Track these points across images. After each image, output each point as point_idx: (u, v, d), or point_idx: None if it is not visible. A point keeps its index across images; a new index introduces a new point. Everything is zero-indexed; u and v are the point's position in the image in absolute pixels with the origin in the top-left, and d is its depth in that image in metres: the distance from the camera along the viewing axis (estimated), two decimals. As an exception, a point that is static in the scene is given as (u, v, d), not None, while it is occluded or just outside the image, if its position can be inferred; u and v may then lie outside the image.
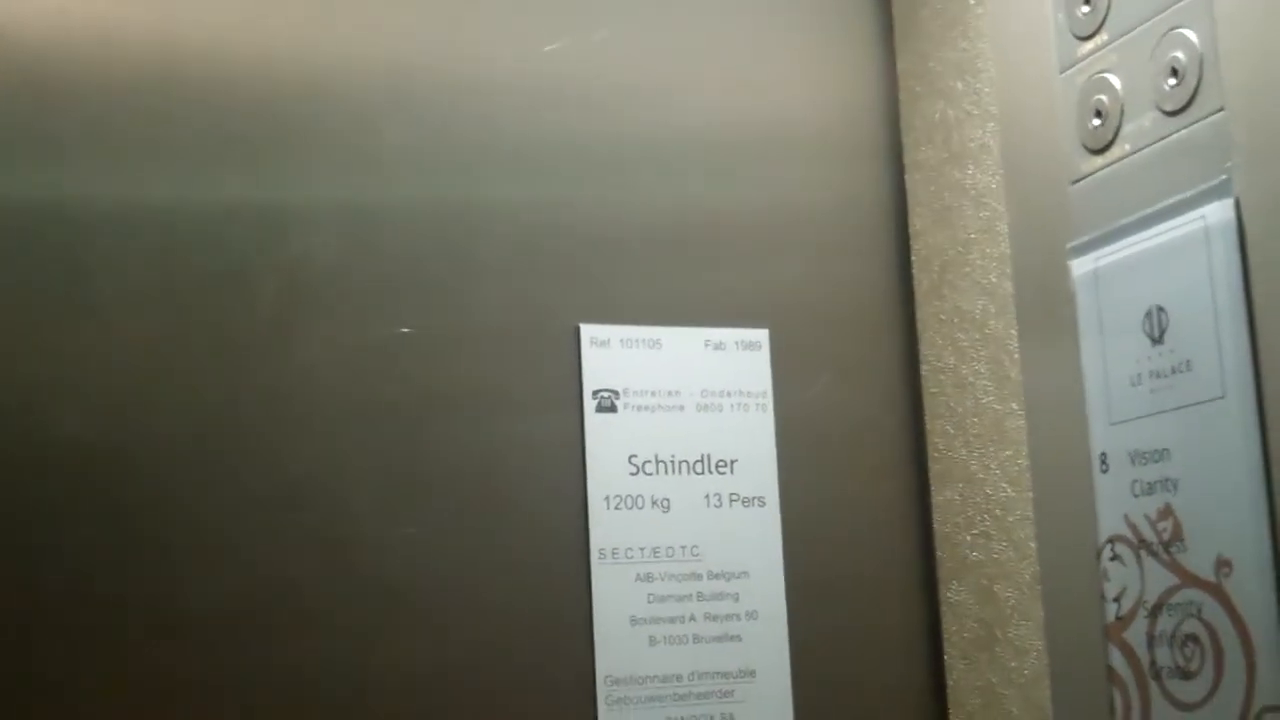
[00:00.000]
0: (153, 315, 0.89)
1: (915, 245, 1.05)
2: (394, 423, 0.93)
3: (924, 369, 1.03)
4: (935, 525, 1.02)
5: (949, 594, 1.01)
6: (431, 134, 0.96)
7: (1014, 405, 0.94)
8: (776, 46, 1.06)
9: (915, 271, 1.05)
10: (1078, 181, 0.87)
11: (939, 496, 1.02)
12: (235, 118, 0.92)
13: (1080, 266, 0.86)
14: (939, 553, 1.02)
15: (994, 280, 0.96)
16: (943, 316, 1.01)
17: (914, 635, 1.02)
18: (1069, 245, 0.87)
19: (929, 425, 1.03)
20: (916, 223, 1.05)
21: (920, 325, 1.04)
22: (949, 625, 1.01)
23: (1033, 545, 0.92)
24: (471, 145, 0.97)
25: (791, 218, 1.05)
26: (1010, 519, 0.94)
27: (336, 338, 0.92)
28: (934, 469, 1.03)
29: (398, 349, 0.94)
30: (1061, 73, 0.89)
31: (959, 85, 1.00)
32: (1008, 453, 0.95)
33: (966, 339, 0.99)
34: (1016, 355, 0.94)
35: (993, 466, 0.96)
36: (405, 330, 0.94)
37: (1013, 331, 0.94)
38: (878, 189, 1.07)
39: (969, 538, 0.98)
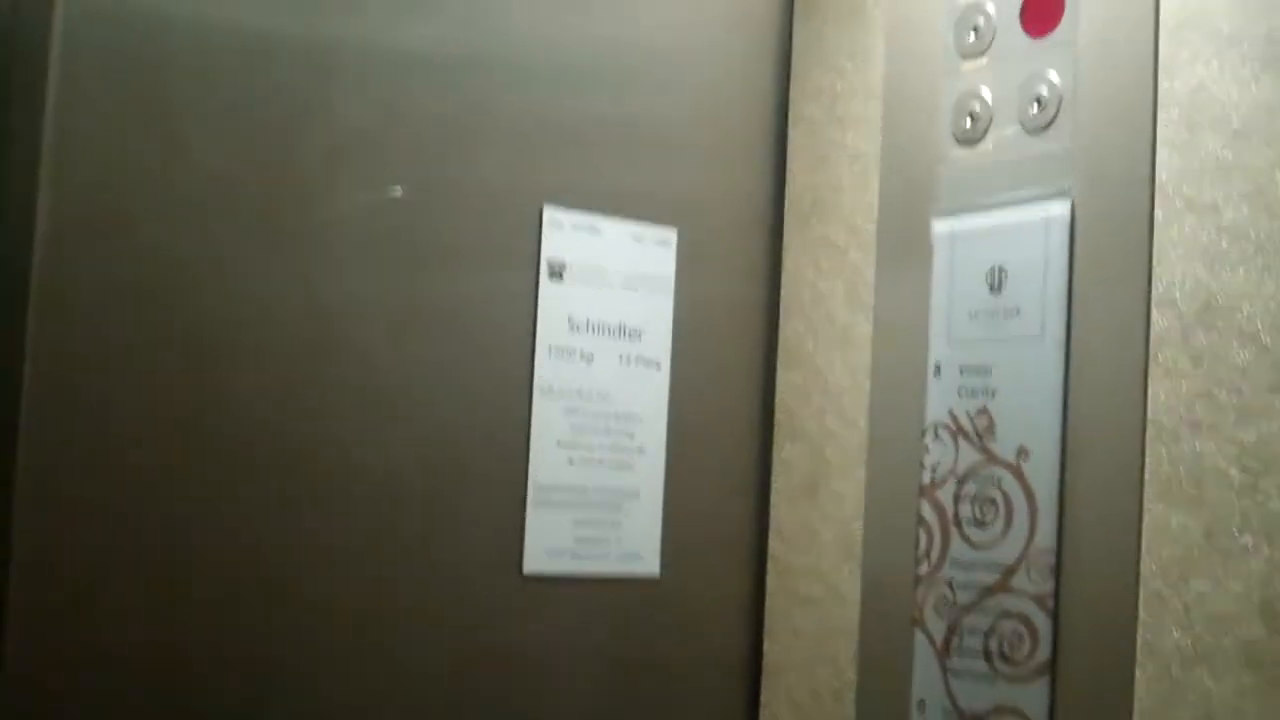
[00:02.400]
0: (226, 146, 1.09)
1: (792, 183, 1.34)
2: (399, 267, 1.16)
3: (786, 280, 1.33)
4: (781, 399, 1.33)
5: (782, 453, 1.32)
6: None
7: (861, 318, 1.25)
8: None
9: (789, 203, 1.34)
10: (945, 163, 1.18)
11: (784, 377, 1.33)
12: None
13: (940, 225, 1.17)
14: (778, 417, 1.33)
15: (859, 222, 1.26)
16: (810, 240, 1.31)
17: (750, 479, 1.33)
18: (932, 207, 1.18)
19: (783, 322, 1.33)
20: (794, 165, 1.34)
21: (787, 246, 1.34)
22: (779, 475, 1.32)
23: (863, 423, 1.24)
24: (479, 51, 1.20)
25: (696, 142, 1.32)
26: (844, 400, 1.26)
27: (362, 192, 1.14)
28: (783, 356, 1.33)
29: (404, 207, 1.16)
30: (945, 78, 1.19)
31: (849, 64, 1.29)
32: (852, 352, 1.26)
33: (828, 261, 1.29)
34: (870, 281, 1.25)
35: (836, 360, 1.27)
36: (397, 192, 1.16)
37: (871, 262, 1.25)
38: (765, 133, 1.35)
39: (808, 411, 1.30)
